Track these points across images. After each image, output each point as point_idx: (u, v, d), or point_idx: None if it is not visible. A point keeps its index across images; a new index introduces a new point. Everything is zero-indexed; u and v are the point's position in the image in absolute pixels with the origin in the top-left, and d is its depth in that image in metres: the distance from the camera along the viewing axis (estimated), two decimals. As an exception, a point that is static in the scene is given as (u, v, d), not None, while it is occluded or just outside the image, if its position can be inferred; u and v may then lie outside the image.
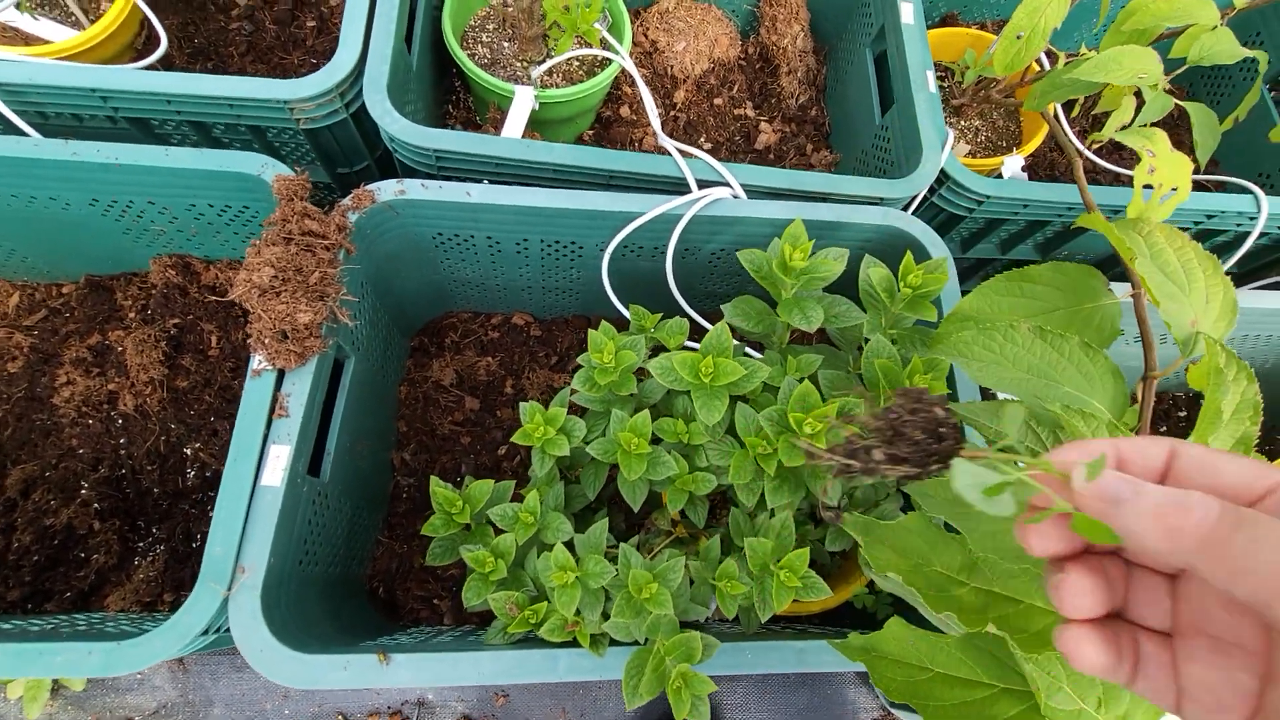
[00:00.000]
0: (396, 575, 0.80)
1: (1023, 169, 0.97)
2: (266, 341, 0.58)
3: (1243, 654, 0.24)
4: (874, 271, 0.59)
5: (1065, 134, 0.66)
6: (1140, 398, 0.46)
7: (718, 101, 1.05)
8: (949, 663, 0.46)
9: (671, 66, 1.01)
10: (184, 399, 0.80)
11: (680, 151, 0.75)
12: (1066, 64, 0.67)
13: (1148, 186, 0.51)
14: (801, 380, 0.56)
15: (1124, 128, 0.69)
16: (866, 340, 0.57)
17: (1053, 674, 0.42)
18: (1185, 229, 0.91)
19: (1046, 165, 1.10)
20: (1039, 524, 0.26)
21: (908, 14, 0.87)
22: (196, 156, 0.65)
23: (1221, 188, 0.92)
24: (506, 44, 0.96)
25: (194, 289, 0.80)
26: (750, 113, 1.07)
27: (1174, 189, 0.52)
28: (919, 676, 0.47)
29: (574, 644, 0.54)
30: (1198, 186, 1.03)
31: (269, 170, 0.65)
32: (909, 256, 0.58)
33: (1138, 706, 0.43)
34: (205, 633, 0.52)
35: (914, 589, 0.43)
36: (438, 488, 0.64)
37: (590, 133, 1.01)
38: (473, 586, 0.57)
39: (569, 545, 0.57)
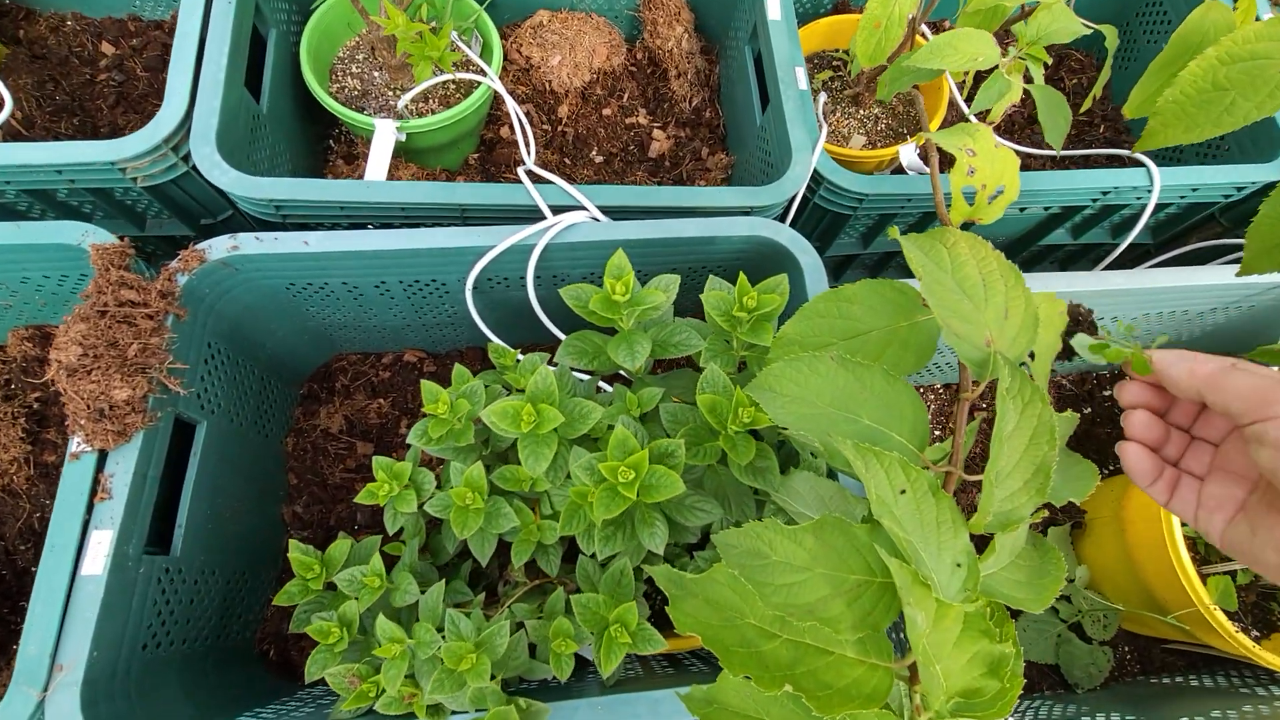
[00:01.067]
0: (287, 637, 0.78)
1: (921, 155, 0.94)
2: (82, 422, 0.56)
3: (1239, 477, 0.41)
4: (710, 295, 0.56)
5: (923, 121, 0.63)
6: (957, 421, 0.43)
7: (607, 112, 1.02)
8: (782, 714, 0.44)
9: (550, 82, 0.97)
10: (53, 473, 0.77)
11: (536, 177, 0.72)
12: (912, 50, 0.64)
13: (968, 192, 0.48)
14: (642, 416, 0.53)
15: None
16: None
17: (865, 728, 0.39)
18: (1084, 206, 0.88)
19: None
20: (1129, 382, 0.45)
21: (774, 9, 0.83)
22: (13, 231, 0.63)
23: (1134, 162, 0.89)
24: (377, 74, 0.93)
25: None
26: (643, 120, 1.04)
27: (1001, 188, 0.50)
28: (756, 728, 0.44)
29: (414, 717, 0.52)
30: (1115, 162, 1.00)
31: (89, 238, 0.62)
32: (742, 277, 0.55)
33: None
34: (24, 737, 0.50)
35: (717, 647, 0.41)
36: (295, 552, 0.62)
37: (475, 156, 0.98)
38: (317, 659, 0.55)
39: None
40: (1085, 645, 0.82)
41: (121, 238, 0.62)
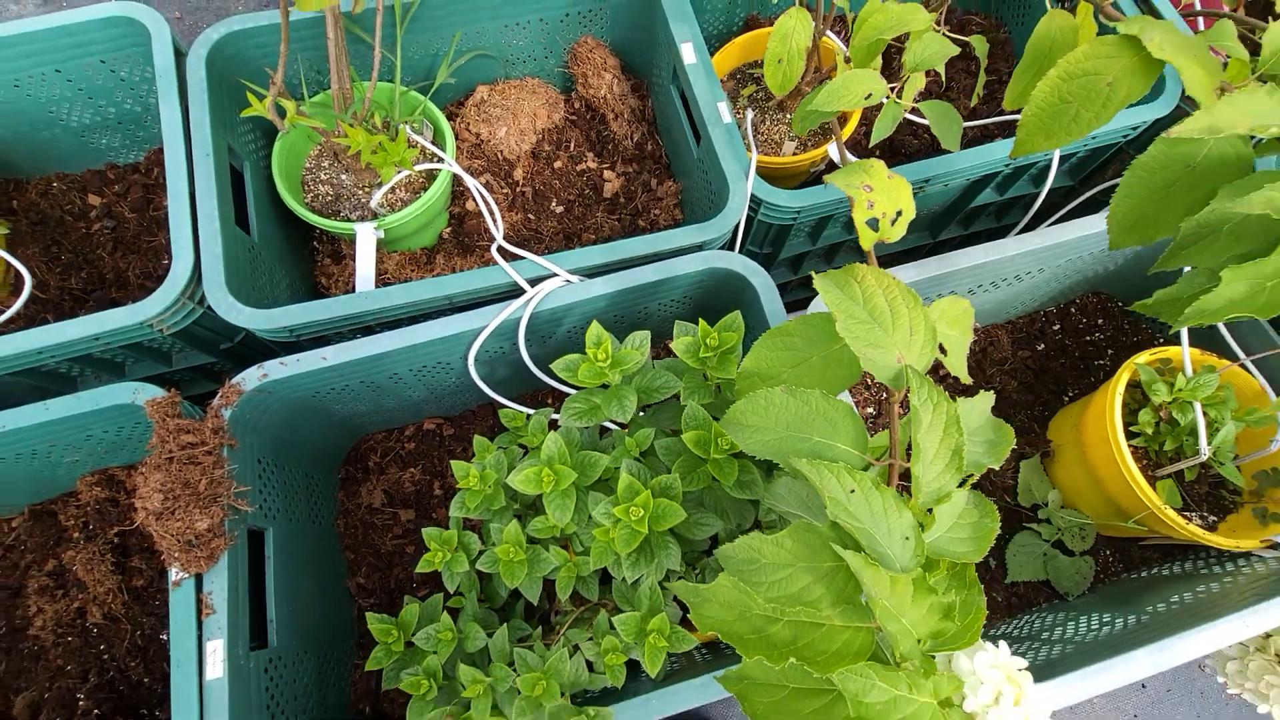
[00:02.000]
0: (377, 695, 0.89)
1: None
2: (176, 554, 0.66)
3: None
4: (680, 341, 0.66)
5: (835, 134, 0.72)
6: (890, 421, 0.53)
7: (558, 164, 1.11)
8: (794, 673, 0.54)
9: (501, 151, 1.06)
10: (144, 594, 0.87)
11: (508, 254, 0.81)
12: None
13: (872, 220, 0.58)
14: (642, 455, 0.63)
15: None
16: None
17: (864, 676, 0.49)
18: (995, 174, 0.98)
19: (888, 141, 1.15)
20: None
21: (689, 54, 0.92)
22: (74, 402, 0.72)
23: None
24: (344, 175, 1.01)
25: (122, 496, 0.88)
26: (592, 164, 1.13)
27: (900, 211, 0.59)
28: (779, 695, 0.55)
29: (506, 739, 0.62)
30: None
31: (140, 395, 0.72)
32: (702, 323, 0.65)
33: (944, 681, 0.51)
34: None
35: (732, 639, 0.51)
36: (373, 623, 0.72)
37: (448, 230, 1.07)
38: (414, 709, 0.66)
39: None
40: (1069, 558, 0.93)
41: (169, 388, 0.72)
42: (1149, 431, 0.87)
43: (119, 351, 0.83)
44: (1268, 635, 0.84)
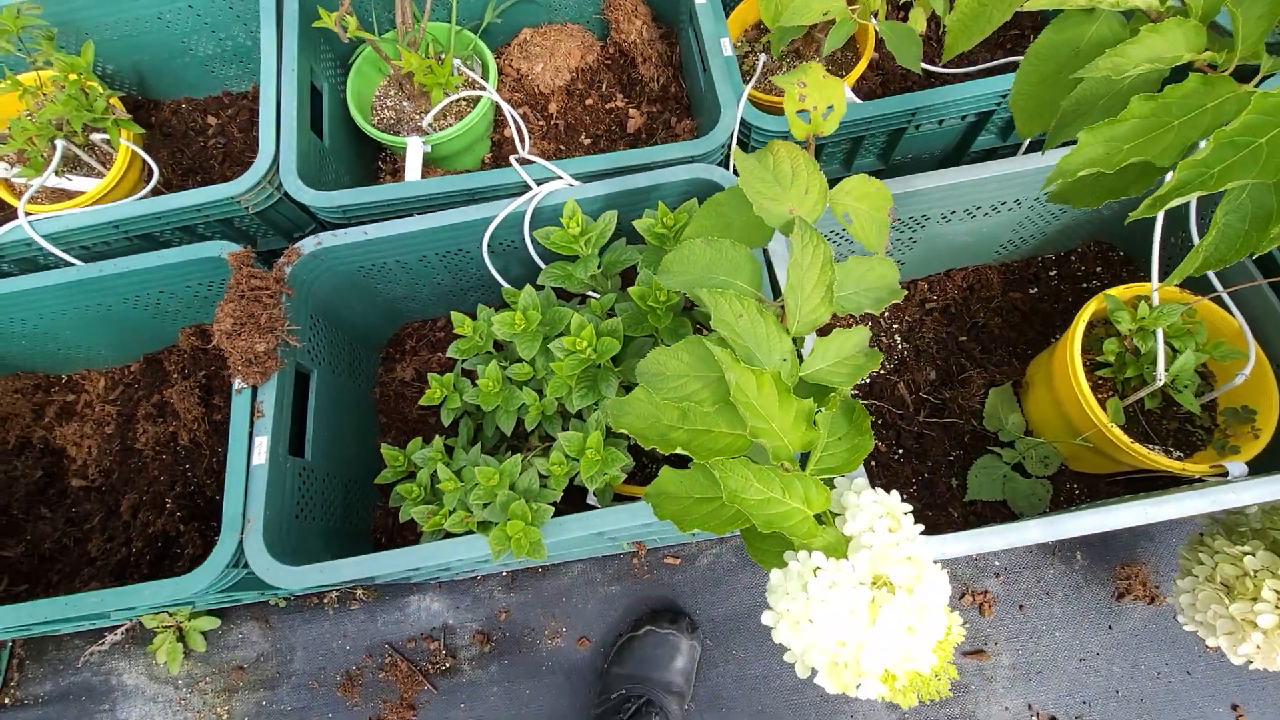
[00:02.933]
0: (393, 528, 1.06)
1: (855, 91, 1.10)
2: (240, 368, 0.84)
3: None
4: (643, 221, 0.77)
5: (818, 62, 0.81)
6: (777, 268, 0.62)
7: (589, 102, 1.24)
8: (696, 487, 0.65)
9: (538, 86, 1.20)
10: (222, 427, 1.08)
11: (522, 161, 0.95)
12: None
13: (802, 111, 0.67)
14: (609, 314, 0.75)
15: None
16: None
17: (743, 476, 0.60)
18: (992, 110, 1.02)
19: (898, 78, 1.21)
20: None
21: (700, -4, 1.02)
22: (179, 252, 0.92)
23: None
24: (406, 104, 1.19)
25: (211, 346, 1.09)
26: (620, 103, 1.25)
27: (831, 106, 0.68)
28: (684, 503, 0.66)
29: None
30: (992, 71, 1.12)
31: (226, 250, 0.91)
32: (661, 205, 0.76)
33: (812, 489, 0.60)
34: (235, 565, 0.78)
35: (646, 440, 0.62)
36: (385, 450, 0.88)
37: (488, 156, 1.23)
38: (406, 509, 0.81)
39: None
40: (1026, 480, 0.97)
41: (245, 247, 0.90)
42: (1113, 359, 0.90)
43: (216, 227, 1.04)
44: (1215, 565, 0.86)
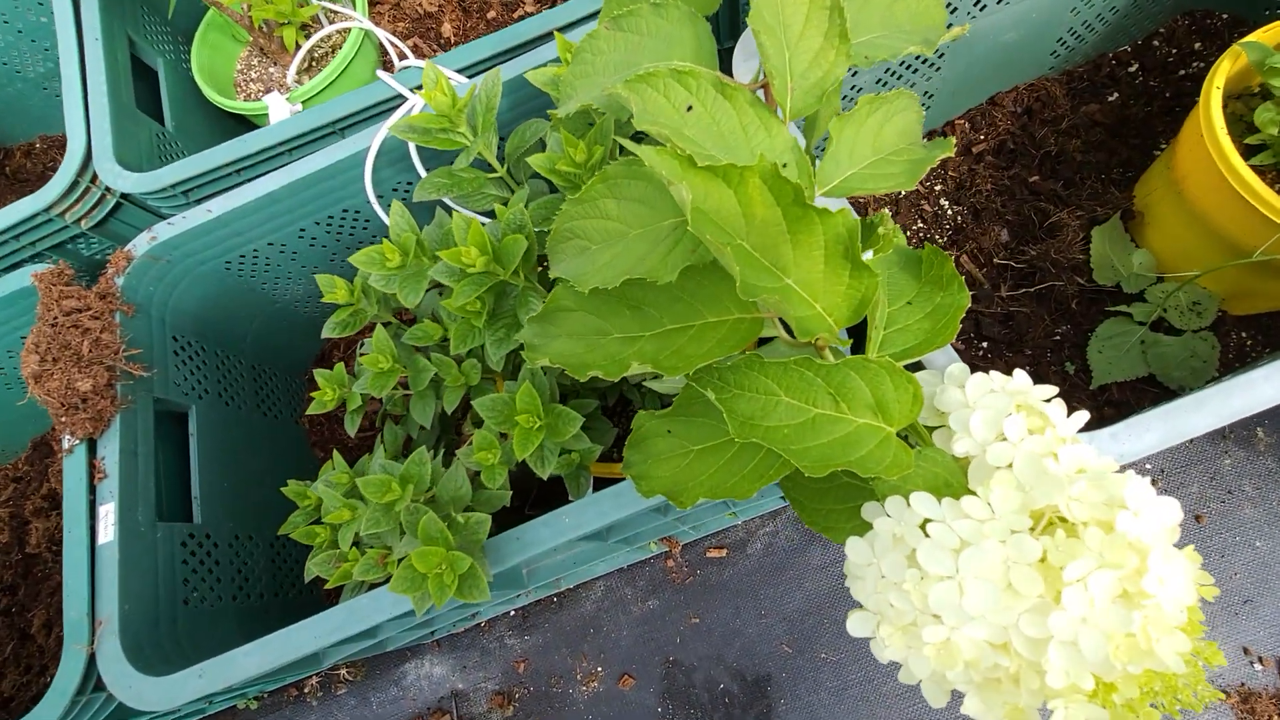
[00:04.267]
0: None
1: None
2: (62, 418, 0.61)
3: None
4: (537, 158, 0.52)
5: None
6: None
7: (491, 14, 0.99)
8: (696, 432, 0.39)
9: (420, 5, 0.96)
10: (123, 506, 0.86)
11: (389, 68, 0.71)
12: None
13: None
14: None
15: None
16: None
17: (759, 390, 0.34)
18: None
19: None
20: None
21: None
22: (-18, 293, 0.70)
23: None
24: (273, 69, 0.96)
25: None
26: (531, 8, 1.00)
27: None
28: (679, 464, 0.40)
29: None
30: None
31: (31, 273, 0.69)
32: (564, 131, 0.51)
33: (888, 386, 0.34)
34: (91, 690, 0.55)
35: (585, 370, 0.37)
36: (289, 488, 0.64)
37: (387, 109, 0.99)
38: (311, 564, 0.57)
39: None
40: (1176, 339, 0.68)
41: (60, 263, 0.68)
42: (1273, 134, 0.61)
43: (47, 256, 0.82)
44: None
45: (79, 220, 0.77)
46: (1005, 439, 0.36)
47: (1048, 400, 0.38)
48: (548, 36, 0.69)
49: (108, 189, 0.77)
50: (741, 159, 0.32)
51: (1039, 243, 0.76)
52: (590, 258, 0.35)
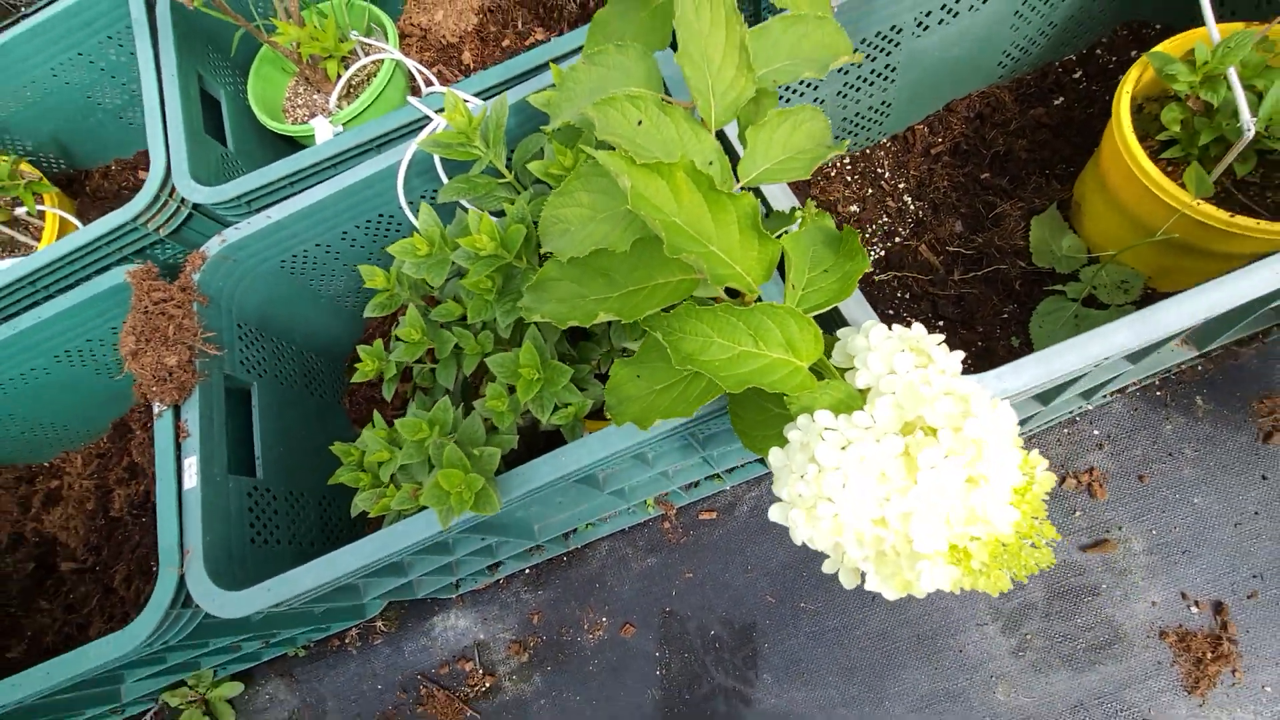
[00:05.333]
0: (386, 541, 0.94)
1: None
2: (153, 388, 0.74)
3: None
4: (535, 164, 0.63)
5: None
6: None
7: (506, 43, 1.12)
8: (657, 376, 0.50)
9: (444, 36, 1.10)
10: (192, 475, 0.99)
11: (417, 93, 0.84)
12: None
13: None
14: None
15: None
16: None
17: (695, 331, 0.45)
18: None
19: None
20: None
21: None
22: (81, 290, 0.84)
23: None
24: (316, 96, 1.10)
25: (164, 392, 1.01)
26: (541, 36, 1.13)
27: None
28: (645, 400, 0.51)
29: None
30: None
31: (125, 272, 0.82)
32: (555, 143, 0.62)
33: (795, 329, 0.44)
34: (184, 605, 0.68)
35: (571, 320, 0.48)
36: (336, 447, 0.76)
37: (415, 128, 1.12)
38: (355, 502, 0.69)
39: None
40: (1105, 313, 0.77)
41: (147, 263, 0.82)
42: (1178, 129, 0.70)
43: (130, 260, 0.96)
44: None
45: (158, 228, 0.91)
46: (894, 373, 0.46)
47: (939, 343, 0.48)
48: (547, 65, 0.81)
49: (183, 201, 0.91)
50: (678, 159, 0.43)
51: (986, 231, 0.85)
52: (570, 236, 0.46)
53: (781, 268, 0.50)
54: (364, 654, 1.05)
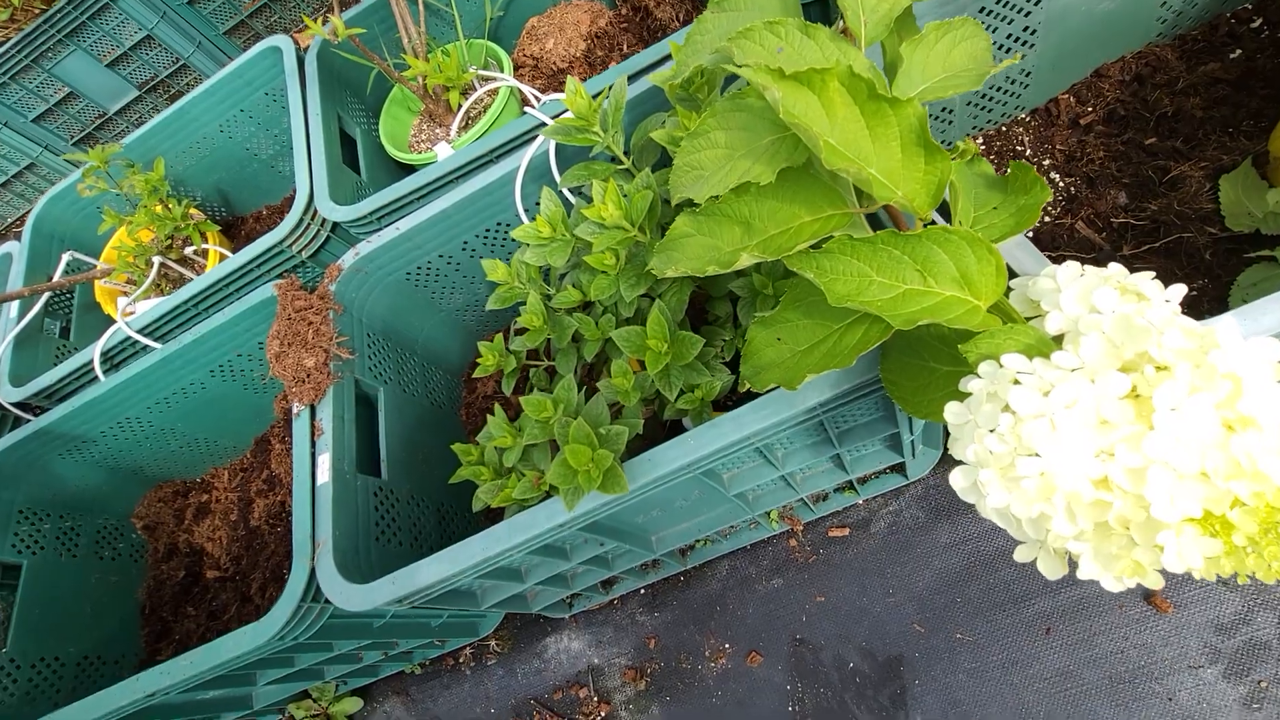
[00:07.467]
0: (501, 553, 0.92)
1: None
2: (292, 388, 0.78)
3: None
4: (659, 132, 0.63)
5: None
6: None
7: (612, 64, 1.15)
8: (799, 335, 0.46)
9: (555, 63, 1.14)
10: (322, 485, 1.03)
11: (529, 104, 0.86)
12: None
13: None
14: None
15: None
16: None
17: (852, 268, 0.40)
18: None
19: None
20: None
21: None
22: (237, 305, 0.91)
23: None
24: (439, 129, 1.17)
25: (300, 407, 1.07)
26: (645, 56, 1.15)
27: None
28: (788, 364, 0.46)
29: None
30: None
31: (273, 286, 0.89)
32: (679, 107, 0.61)
33: (970, 259, 0.39)
34: (314, 600, 0.68)
35: (709, 270, 0.45)
36: (456, 447, 0.76)
37: (527, 152, 1.16)
38: (476, 498, 0.67)
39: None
40: (1333, 276, 0.64)
41: (291, 276, 0.87)
42: None
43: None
44: None
45: (301, 249, 0.98)
46: (1097, 311, 0.39)
47: (1153, 277, 0.40)
48: (651, 68, 0.81)
49: (323, 222, 0.98)
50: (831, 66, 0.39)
51: (1160, 198, 0.75)
52: (705, 181, 0.43)
53: (942, 209, 0.44)
54: (477, 674, 1.03)
